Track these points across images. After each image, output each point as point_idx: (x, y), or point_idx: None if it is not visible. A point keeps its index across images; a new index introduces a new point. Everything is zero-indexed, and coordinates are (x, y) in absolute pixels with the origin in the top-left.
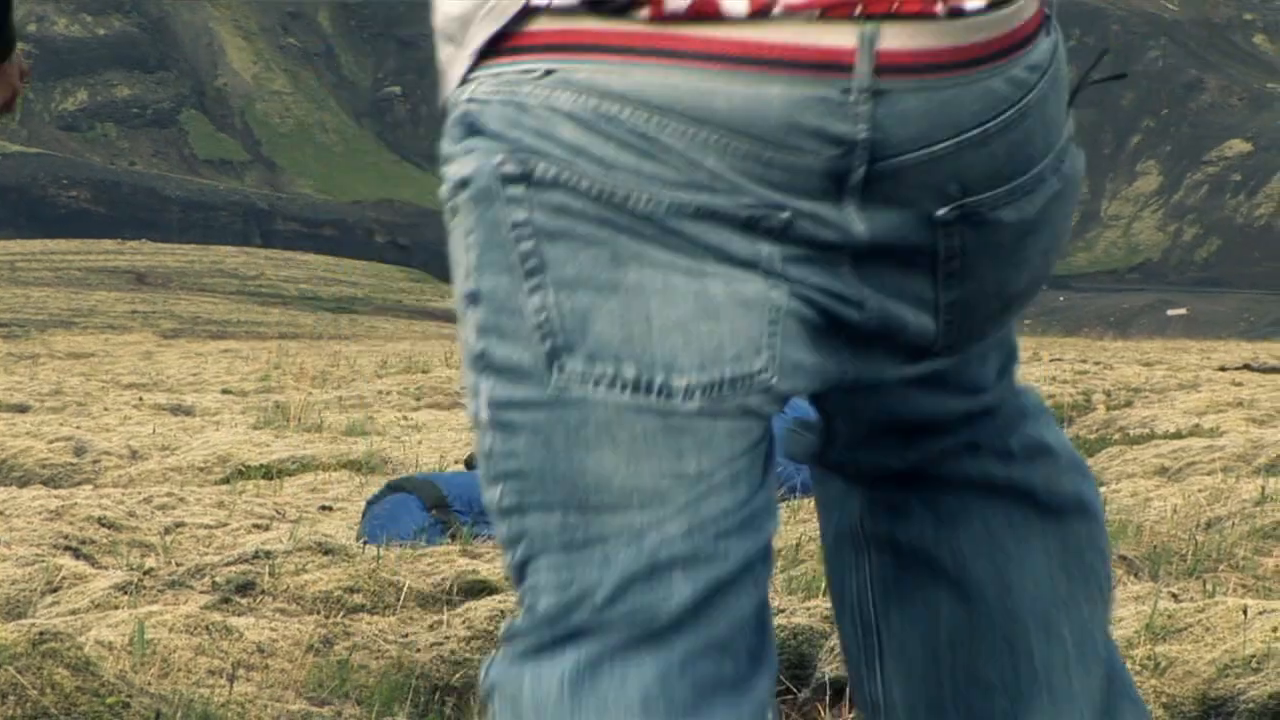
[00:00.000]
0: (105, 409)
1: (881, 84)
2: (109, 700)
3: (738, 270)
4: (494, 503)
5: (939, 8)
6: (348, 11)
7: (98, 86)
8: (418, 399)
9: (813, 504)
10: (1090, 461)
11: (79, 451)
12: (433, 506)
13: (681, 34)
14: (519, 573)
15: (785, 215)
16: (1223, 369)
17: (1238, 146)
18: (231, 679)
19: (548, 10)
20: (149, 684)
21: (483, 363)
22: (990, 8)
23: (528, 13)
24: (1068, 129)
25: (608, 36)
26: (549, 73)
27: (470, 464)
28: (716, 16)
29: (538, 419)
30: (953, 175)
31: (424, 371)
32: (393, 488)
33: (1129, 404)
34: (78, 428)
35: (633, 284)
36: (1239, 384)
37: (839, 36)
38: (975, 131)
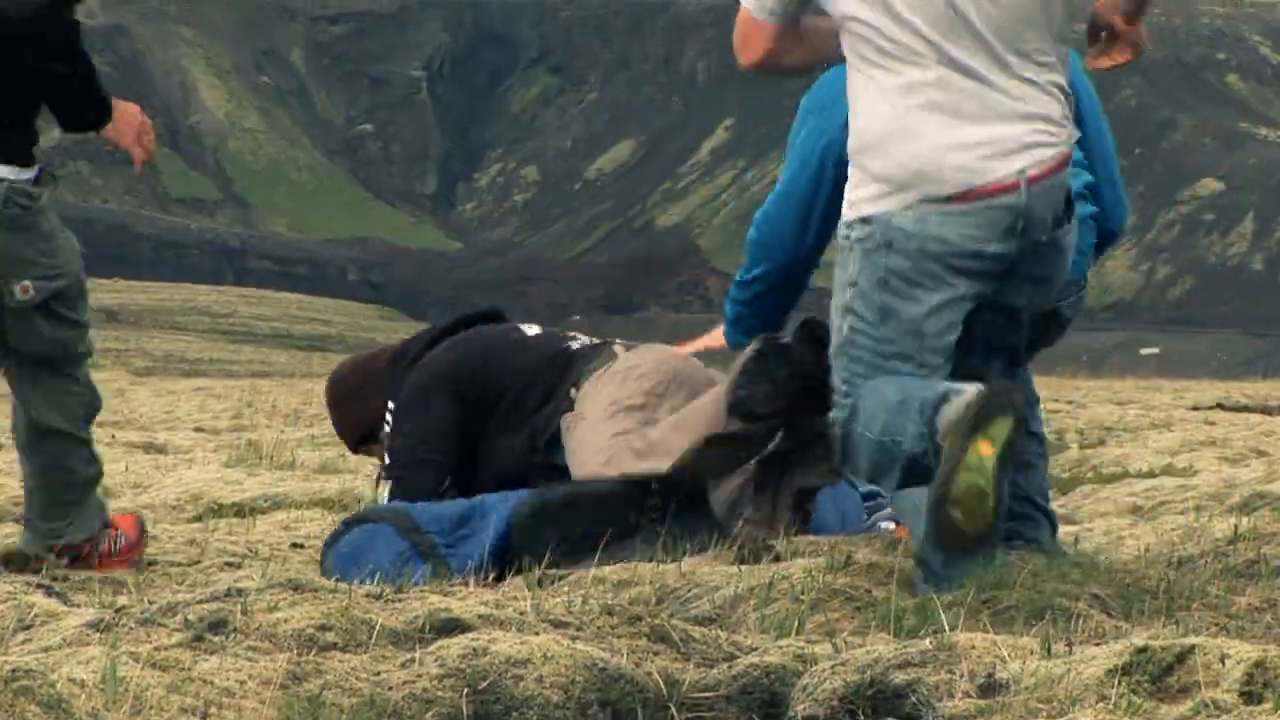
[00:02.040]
0: None
1: None
2: None
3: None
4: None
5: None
6: (320, 50)
7: None
8: None
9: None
10: (1063, 500)
11: None
12: (408, 530)
13: None
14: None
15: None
16: (1195, 408)
17: (1211, 186)
18: (204, 717)
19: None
20: None
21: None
22: None
23: None
24: None
25: None
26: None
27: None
28: None
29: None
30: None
31: None
32: (354, 521)
33: (1102, 443)
34: None
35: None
36: (1212, 423)
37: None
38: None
